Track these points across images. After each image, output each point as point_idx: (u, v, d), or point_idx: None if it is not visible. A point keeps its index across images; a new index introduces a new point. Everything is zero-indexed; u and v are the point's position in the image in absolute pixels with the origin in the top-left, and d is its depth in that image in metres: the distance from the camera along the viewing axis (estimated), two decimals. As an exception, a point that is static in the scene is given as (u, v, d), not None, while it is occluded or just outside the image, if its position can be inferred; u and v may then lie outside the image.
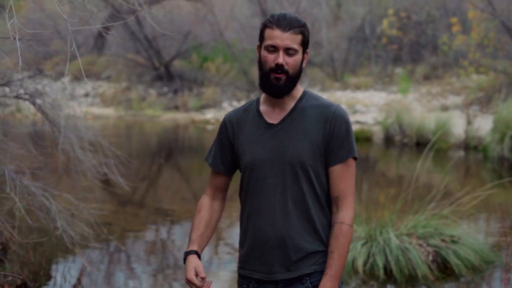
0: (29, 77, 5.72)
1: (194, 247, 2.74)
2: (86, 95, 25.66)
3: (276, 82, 2.60)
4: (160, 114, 23.00)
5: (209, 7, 23.60)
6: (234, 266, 6.53)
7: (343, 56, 26.22)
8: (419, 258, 5.96)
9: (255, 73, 23.80)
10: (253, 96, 23.36)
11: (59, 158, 5.76)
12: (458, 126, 14.99)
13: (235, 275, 6.18)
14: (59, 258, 6.32)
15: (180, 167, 13.70)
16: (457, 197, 6.85)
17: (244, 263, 2.76)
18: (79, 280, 5.61)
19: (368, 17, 26.22)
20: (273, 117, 2.70)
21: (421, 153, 7.17)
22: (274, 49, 2.58)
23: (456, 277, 5.99)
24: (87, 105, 23.75)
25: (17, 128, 6.65)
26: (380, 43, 25.42)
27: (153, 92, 25.41)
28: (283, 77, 2.59)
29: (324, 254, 2.65)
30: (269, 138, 2.67)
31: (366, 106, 20.57)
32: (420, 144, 14.81)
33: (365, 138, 16.14)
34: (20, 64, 2.87)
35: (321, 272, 2.63)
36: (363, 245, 6.18)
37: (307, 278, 2.64)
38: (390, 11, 24.59)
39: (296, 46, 2.58)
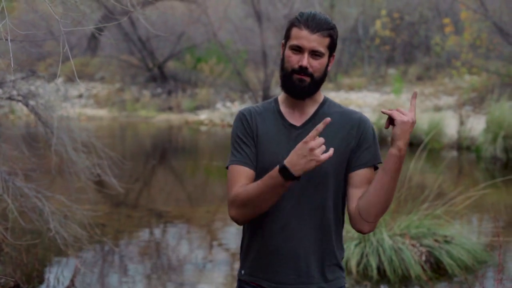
0: (22, 78, 5.71)
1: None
2: (80, 96, 25.62)
3: (300, 83, 2.46)
4: (154, 115, 22.98)
5: (202, 8, 23.59)
6: (228, 267, 6.53)
7: (336, 57, 26.22)
8: (412, 258, 5.97)
9: (249, 74, 23.82)
10: (247, 97, 23.36)
11: (52, 159, 5.74)
12: (451, 126, 15.03)
13: (230, 276, 6.19)
14: (52, 259, 6.31)
15: (174, 168, 13.69)
16: (450, 197, 6.87)
17: (250, 270, 2.58)
18: (72, 281, 5.59)
19: (361, 18, 26.28)
20: (294, 119, 2.54)
21: (414, 154, 7.18)
22: (299, 49, 2.43)
23: (449, 277, 6.00)
24: (81, 106, 23.71)
25: (10, 129, 6.64)
26: (373, 44, 25.48)
27: (146, 93, 25.40)
28: (307, 79, 2.45)
29: (337, 268, 2.55)
30: (290, 140, 2.50)
31: (359, 106, 20.60)
32: (413, 144, 14.77)
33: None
34: (13, 65, 2.86)
35: (334, 286, 2.54)
36: (356, 245, 6.19)
37: None
38: (383, 12, 24.65)
39: (322, 49, 2.44)
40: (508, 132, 12.87)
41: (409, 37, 25.54)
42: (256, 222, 2.52)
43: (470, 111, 17.88)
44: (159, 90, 25.82)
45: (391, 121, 2.48)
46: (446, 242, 6.26)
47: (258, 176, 2.49)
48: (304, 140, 2.26)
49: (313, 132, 2.26)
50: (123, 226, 8.12)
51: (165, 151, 16.45)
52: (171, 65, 26.80)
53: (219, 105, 23.70)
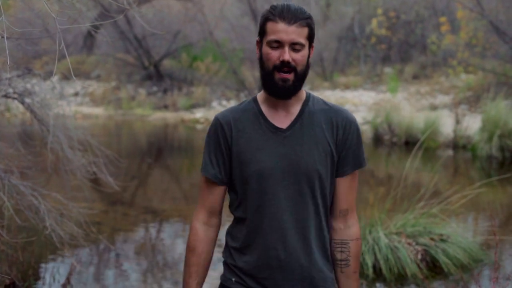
0: (18, 76, 5.70)
1: None
2: (76, 94, 25.58)
3: (283, 84, 2.30)
4: (150, 114, 22.96)
5: (199, 7, 23.59)
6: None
7: (333, 56, 26.26)
8: (408, 256, 5.98)
9: (244, 72, 23.81)
10: (243, 96, 23.35)
11: (48, 157, 5.73)
12: (447, 125, 15.05)
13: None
14: (48, 257, 6.30)
15: (169, 167, 13.68)
16: (446, 196, 6.88)
17: (246, 280, 2.46)
18: (68, 279, 5.59)
19: (357, 16, 26.29)
20: (279, 120, 2.40)
21: (410, 152, 7.19)
22: (278, 44, 2.28)
23: (445, 276, 6.01)
24: (77, 105, 23.69)
25: (6, 127, 6.63)
26: (369, 42, 25.49)
27: (142, 91, 25.38)
28: (290, 76, 2.30)
29: (332, 279, 2.49)
30: (278, 145, 2.36)
31: (355, 105, 20.62)
32: (409, 143, 14.85)
33: (354, 138, 16.15)
34: (9, 63, 2.86)
35: None
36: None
37: None
38: (379, 11, 24.66)
39: (302, 40, 2.29)
40: (504, 131, 12.89)
41: (405, 36, 25.56)
42: (246, 235, 2.43)
43: (466, 110, 17.91)
44: (155, 88, 25.80)
45: None
46: (442, 240, 6.26)
47: (243, 185, 2.41)
48: None
49: None
50: (119, 224, 8.11)
51: (161, 149, 16.44)
52: (167, 64, 26.79)
53: (215, 103, 23.70)
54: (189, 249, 2.47)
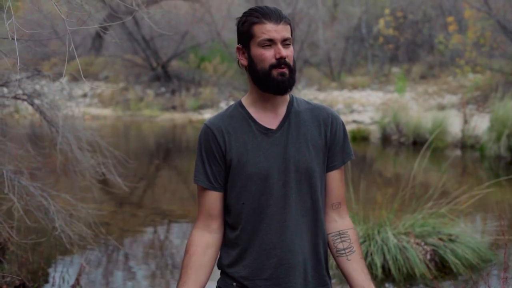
0: (27, 77, 5.72)
1: None
2: (84, 95, 25.66)
3: (282, 78, 2.36)
4: (158, 114, 23.01)
5: (206, 8, 23.63)
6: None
7: (340, 56, 26.24)
8: (417, 257, 5.97)
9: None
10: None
11: (57, 158, 5.75)
12: (454, 125, 15.02)
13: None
14: (58, 258, 6.32)
15: (178, 167, 13.71)
16: (455, 196, 6.86)
17: (248, 282, 2.46)
18: (77, 280, 5.60)
19: (365, 16, 26.27)
20: (268, 122, 2.45)
21: (418, 152, 7.18)
22: (270, 43, 2.35)
23: (454, 276, 6.00)
24: (85, 106, 23.76)
25: (15, 128, 6.65)
26: (376, 42, 25.46)
27: (150, 92, 25.43)
28: (286, 70, 2.37)
29: (328, 273, 2.55)
30: (271, 145, 2.42)
31: (363, 105, 20.60)
32: (417, 143, 14.83)
33: (362, 138, 16.16)
34: (19, 64, 2.87)
35: None
36: (361, 244, 6.18)
37: None
38: (387, 11, 24.63)
39: (290, 36, 2.39)
40: (512, 131, 12.86)
41: (412, 36, 25.51)
42: (245, 235, 2.45)
43: (474, 109, 17.87)
44: (163, 89, 25.85)
45: None
46: (451, 240, 6.25)
47: (239, 187, 2.43)
48: None
49: None
50: (128, 225, 8.13)
51: (169, 150, 16.47)
52: (174, 65, 26.83)
53: (222, 104, 23.72)
54: (185, 251, 2.51)
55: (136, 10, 4.04)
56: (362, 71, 25.96)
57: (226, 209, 2.51)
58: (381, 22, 24.71)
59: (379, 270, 5.92)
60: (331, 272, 2.88)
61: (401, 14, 24.97)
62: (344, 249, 2.52)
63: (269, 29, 2.35)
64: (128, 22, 23.13)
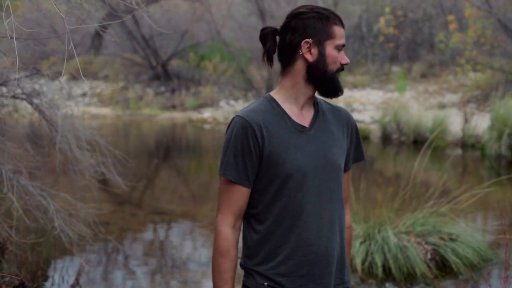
0: (26, 76, 5.70)
1: None
2: (84, 94, 25.64)
3: (340, 82, 2.46)
4: (158, 114, 22.99)
5: (206, 6, 23.60)
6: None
7: (340, 55, 26.18)
8: (418, 256, 5.95)
9: (252, 72, 23.80)
10: (250, 95, 23.34)
11: (56, 157, 5.73)
12: (455, 124, 15.01)
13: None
14: (57, 258, 6.31)
15: (177, 167, 13.69)
16: (455, 195, 6.85)
17: (283, 279, 2.42)
18: (77, 280, 5.59)
19: (365, 15, 26.25)
20: (301, 119, 2.45)
21: (419, 151, 7.16)
22: (341, 48, 2.42)
23: (455, 275, 5.99)
24: (85, 105, 23.73)
25: (15, 127, 6.63)
26: (377, 41, 25.43)
27: (150, 91, 25.40)
28: None
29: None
30: (306, 143, 2.42)
31: (363, 104, 20.58)
32: (417, 142, 14.82)
33: (363, 137, 16.13)
34: (17, 63, 2.86)
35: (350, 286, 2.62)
36: (361, 243, 6.18)
37: None
38: (387, 9, 24.60)
39: None
40: (513, 130, 12.84)
41: (413, 35, 25.49)
42: (281, 232, 2.41)
43: (474, 108, 17.85)
44: (162, 88, 25.83)
45: None
46: (452, 240, 6.24)
47: (276, 184, 2.40)
48: None
49: None
50: (128, 224, 8.12)
51: (169, 149, 16.46)
52: (174, 63, 26.81)
53: (222, 103, 23.70)
54: (221, 254, 2.41)
55: (136, 9, 4.02)
56: (363, 70, 25.94)
57: (256, 205, 2.45)
58: (382, 20, 24.68)
59: (380, 270, 5.91)
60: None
61: (401, 13, 24.94)
62: None
63: (343, 34, 2.43)
64: (128, 21, 23.11)
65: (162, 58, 26.19)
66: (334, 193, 2.47)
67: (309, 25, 2.39)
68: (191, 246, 7.35)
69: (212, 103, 23.80)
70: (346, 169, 2.59)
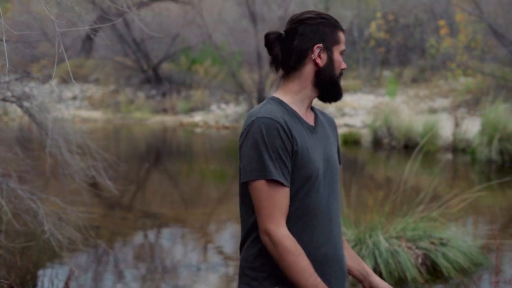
0: (16, 79, 5.67)
1: None
2: (74, 98, 25.55)
3: (341, 87, 2.54)
4: (149, 117, 22.94)
5: (197, 10, 23.56)
6: (223, 269, 6.51)
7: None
8: (409, 260, 5.96)
9: (243, 75, 23.79)
10: (241, 99, 23.33)
11: (46, 161, 5.71)
12: (446, 128, 15.04)
13: (224, 278, 6.16)
14: (47, 262, 6.27)
15: (168, 170, 13.66)
16: (446, 199, 6.86)
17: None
18: (66, 284, 5.56)
19: (356, 20, 26.29)
20: (308, 120, 2.49)
21: (410, 156, 7.17)
22: (343, 53, 2.50)
23: (445, 280, 5.99)
24: (75, 108, 23.64)
25: (4, 131, 6.60)
26: (368, 46, 25.48)
27: (141, 95, 25.34)
28: None
29: None
30: (317, 144, 2.44)
31: (354, 109, 20.61)
32: (408, 146, 14.84)
33: (354, 141, 16.16)
34: (7, 66, 2.83)
35: None
36: (352, 248, 6.17)
37: None
38: (378, 14, 24.66)
39: None
40: (503, 135, 12.88)
41: (404, 39, 25.55)
42: (296, 233, 2.34)
43: (465, 113, 17.89)
44: (153, 92, 25.78)
45: None
46: (442, 244, 6.25)
47: (301, 184, 2.35)
48: None
49: None
50: (118, 228, 8.09)
51: (160, 153, 16.42)
52: (165, 67, 26.77)
53: (213, 107, 23.68)
54: (295, 254, 2.30)
55: (127, 12, 4.01)
56: (353, 74, 25.98)
57: None
58: (373, 25, 24.74)
59: (371, 274, 5.90)
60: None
61: (392, 18, 25.00)
62: None
63: (344, 40, 2.51)
64: (119, 24, 23.06)
65: (153, 62, 26.14)
66: (337, 194, 2.51)
67: (318, 30, 2.44)
68: (182, 250, 7.32)
69: (203, 107, 23.77)
70: None
